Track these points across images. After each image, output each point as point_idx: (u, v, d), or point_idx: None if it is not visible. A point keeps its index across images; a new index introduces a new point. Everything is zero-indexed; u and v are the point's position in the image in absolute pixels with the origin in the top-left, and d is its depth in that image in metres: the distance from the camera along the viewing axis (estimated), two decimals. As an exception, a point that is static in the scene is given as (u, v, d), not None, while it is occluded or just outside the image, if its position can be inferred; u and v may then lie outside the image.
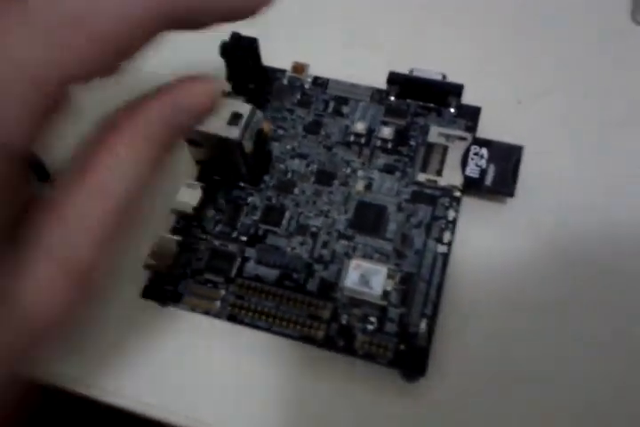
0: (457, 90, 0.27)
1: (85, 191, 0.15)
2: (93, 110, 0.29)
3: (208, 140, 0.24)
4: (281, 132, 0.28)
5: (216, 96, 0.18)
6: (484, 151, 0.26)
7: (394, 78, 0.28)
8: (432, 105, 0.28)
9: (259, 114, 0.24)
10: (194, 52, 0.31)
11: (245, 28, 0.27)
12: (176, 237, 0.24)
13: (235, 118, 0.24)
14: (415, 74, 0.28)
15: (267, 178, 0.26)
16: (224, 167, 0.26)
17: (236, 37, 0.27)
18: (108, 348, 0.24)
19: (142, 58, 0.15)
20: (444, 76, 0.27)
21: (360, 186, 0.26)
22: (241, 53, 0.27)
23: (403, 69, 0.28)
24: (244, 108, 0.24)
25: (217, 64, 0.27)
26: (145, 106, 0.16)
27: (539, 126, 0.28)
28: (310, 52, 0.30)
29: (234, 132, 0.23)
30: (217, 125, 0.24)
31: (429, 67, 0.28)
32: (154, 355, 0.24)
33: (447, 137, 0.27)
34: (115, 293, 0.25)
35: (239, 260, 0.24)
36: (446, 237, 0.24)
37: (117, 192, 0.15)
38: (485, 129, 0.27)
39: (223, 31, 0.27)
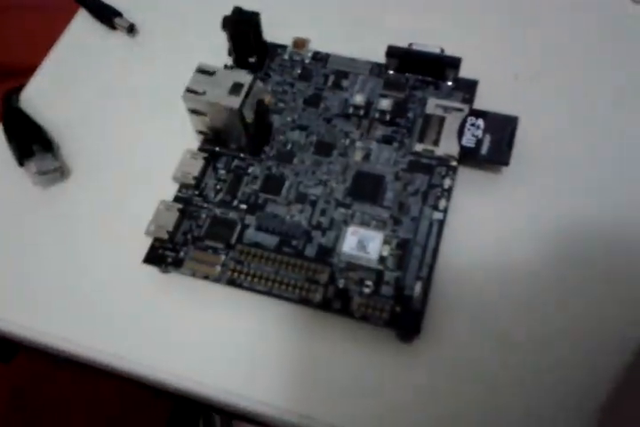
0: (455, 63, 0.27)
1: None
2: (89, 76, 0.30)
3: (210, 110, 0.25)
4: (281, 104, 0.28)
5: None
6: (480, 122, 0.26)
7: (393, 52, 0.28)
8: (430, 78, 0.28)
9: (259, 84, 0.25)
10: (197, 25, 0.32)
11: (248, 2, 0.28)
12: (177, 205, 0.25)
13: (236, 88, 0.24)
14: (414, 47, 0.28)
15: (267, 149, 0.27)
16: (225, 138, 0.26)
17: (237, 11, 0.27)
18: (112, 313, 0.25)
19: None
20: (442, 50, 0.28)
21: (358, 156, 0.27)
22: (242, 27, 0.27)
23: (402, 45, 0.28)
24: (245, 79, 0.25)
25: (219, 38, 0.28)
26: None
27: (534, 99, 0.28)
28: (311, 28, 0.30)
29: (235, 101, 0.24)
30: (219, 94, 0.24)
31: (428, 42, 0.28)
32: (156, 319, 0.24)
33: (444, 108, 0.27)
34: (117, 259, 0.26)
35: (239, 227, 0.25)
36: (442, 204, 0.25)
37: None
38: (482, 102, 0.28)
39: (226, 5, 0.28)
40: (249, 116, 0.25)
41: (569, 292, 0.24)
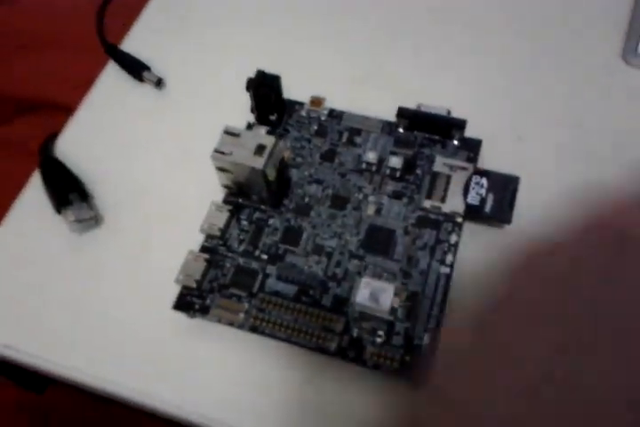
0: (461, 124, 0.30)
1: None
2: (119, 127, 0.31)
3: (236, 168, 0.27)
4: (299, 159, 0.31)
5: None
6: (484, 181, 0.29)
7: (403, 113, 0.30)
8: (437, 137, 0.31)
9: (281, 144, 0.27)
10: (221, 81, 0.34)
11: (267, 59, 0.30)
12: (204, 255, 0.27)
13: (260, 149, 0.27)
14: (422, 109, 0.30)
15: (286, 202, 0.29)
16: (248, 191, 0.29)
17: (261, 75, 0.30)
18: (143, 356, 0.26)
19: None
20: (449, 112, 0.30)
21: (371, 210, 0.29)
22: (265, 90, 0.30)
23: (410, 103, 0.31)
24: (269, 140, 0.27)
25: (242, 97, 0.30)
26: None
27: (535, 160, 0.31)
28: (327, 87, 0.33)
29: (259, 162, 0.26)
30: (244, 155, 0.26)
31: (435, 102, 0.30)
32: (182, 363, 0.26)
33: (451, 167, 0.29)
34: (146, 304, 0.28)
35: (261, 276, 0.27)
36: (449, 259, 0.27)
37: None
38: (486, 160, 0.30)
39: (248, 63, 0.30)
40: (271, 174, 0.27)
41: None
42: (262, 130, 0.31)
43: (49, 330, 0.28)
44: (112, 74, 0.36)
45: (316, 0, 0.37)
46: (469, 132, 0.30)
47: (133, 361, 0.26)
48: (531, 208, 0.28)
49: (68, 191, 0.30)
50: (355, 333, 0.25)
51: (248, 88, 0.30)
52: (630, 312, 0.26)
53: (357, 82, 0.34)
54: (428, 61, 0.35)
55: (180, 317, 0.27)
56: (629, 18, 0.35)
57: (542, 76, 0.33)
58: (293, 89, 0.32)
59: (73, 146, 0.33)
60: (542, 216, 0.28)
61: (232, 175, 0.28)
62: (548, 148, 0.31)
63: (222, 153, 0.27)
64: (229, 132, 0.27)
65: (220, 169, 0.27)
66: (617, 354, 0.25)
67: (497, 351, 0.25)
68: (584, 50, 0.34)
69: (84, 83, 0.36)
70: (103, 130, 0.34)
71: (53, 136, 0.33)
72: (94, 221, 0.29)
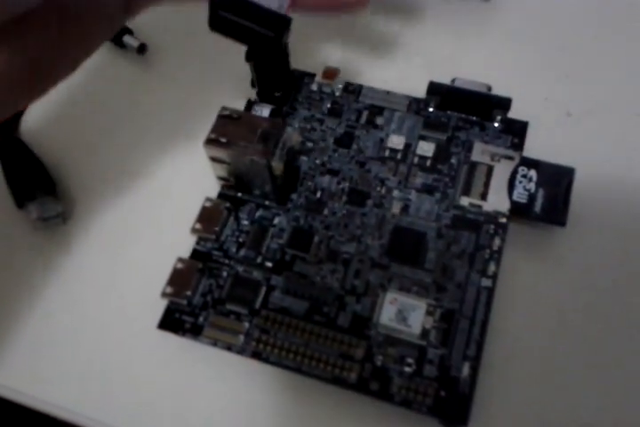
0: (505, 104, 0.24)
1: None
2: (95, 102, 0.27)
3: (234, 160, 0.22)
4: (310, 144, 0.26)
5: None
6: (533, 173, 0.24)
7: (435, 89, 0.25)
8: (475, 118, 0.26)
9: (289, 130, 0.22)
10: (216, 55, 0.29)
11: None
12: (197, 263, 0.23)
13: (264, 136, 0.22)
14: (458, 84, 0.25)
15: (294, 196, 0.24)
16: (249, 185, 0.24)
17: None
18: (122, 382, 0.22)
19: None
20: (490, 88, 0.25)
21: (396, 208, 0.24)
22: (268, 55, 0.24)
23: (442, 77, 0.25)
24: (274, 125, 0.22)
25: (242, 68, 0.25)
26: None
27: (590, 143, 0.26)
28: (342, 56, 0.27)
29: (263, 153, 0.21)
30: (245, 145, 0.21)
31: (469, 75, 0.25)
32: (169, 393, 0.22)
33: (492, 155, 0.24)
34: (127, 324, 0.23)
35: (264, 289, 0.22)
36: (491, 269, 0.22)
37: None
38: (531, 145, 0.25)
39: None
40: (278, 167, 0.22)
41: (637, 371, 0.21)
42: (266, 110, 0.25)
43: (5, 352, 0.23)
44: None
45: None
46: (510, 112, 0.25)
47: (114, 390, 0.22)
48: (588, 207, 0.24)
49: (32, 183, 0.25)
50: (378, 361, 0.21)
51: (248, 58, 0.25)
52: None
53: (378, 51, 0.29)
54: (460, 30, 0.29)
55: (169, 336, 0.22)
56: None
57: (593, 48, 0.28)
58: (302, 58, 0.27)
59: (39, 126, 0.28)
60: (602, 217, 0.24)
61: (229, 167, 0.23)
62: (606, 131, 0.26)
63: (217, 141, 0.22)
64: (226, 116, 0.22)
65: (215, 160, 0.22)
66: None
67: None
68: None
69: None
70: (76, 105, 0.28)
71: (17, 115, 0.28)
72: (62, 218, 0.25)
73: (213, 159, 0.22)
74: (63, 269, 0.24)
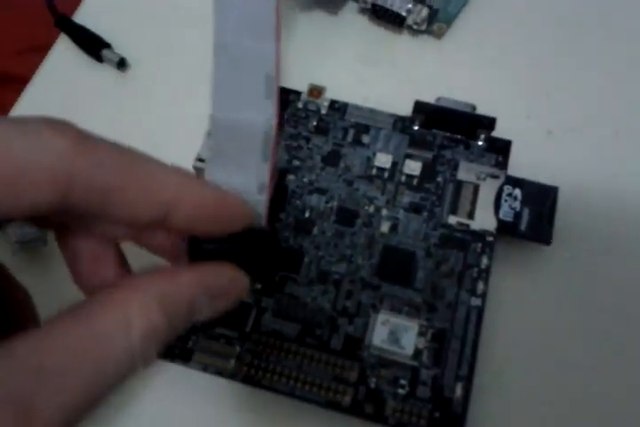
0: (490, 124, 0.25)
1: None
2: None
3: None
4: (297, 162, 0.25)
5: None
6: (518, 192, 0.24)
7: (421, 107, 0.25)
8: (459, 137, 0.26)
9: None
10: (200, 69, 0.28)
11: None
12: (185, 286, 0.22)
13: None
14: (442, 104, 0.25)
15: (282, 216, 0.24)
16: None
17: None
18: (108, 409, 0.22)
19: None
20: (474, 108, 0.25)
21: (385, 227, 0.24)
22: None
23: (425, 95, 0.26)
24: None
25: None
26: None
27: (572, 160, 0.26)
28: (327, 74, 0.27)
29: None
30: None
31: (452, 92, 0.26)
32: (158, 419, 0.21)
33: (478, 174, 0.25)
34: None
35: (255, 311, 0.22)
36: (480, 287, 0.23)
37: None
38: (515, 163, 0.25)
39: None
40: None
41: (626, 384, 0.22)
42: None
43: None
44: (64, 51, 0.30)
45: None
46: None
47: (95, 417, 0.22)
48: (573, 224, 0.24)
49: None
50: (372, 383, 0.21)
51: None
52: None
53: (365, 69, 0.29)
54: (444, 49, 0.29)
55: (157, 361, 0.22)
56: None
57: (572, 66, 0.29)
58: (288, 76, 0.26)
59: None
60: (587, 234, 0.24)
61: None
62: (587, 148, 0.27)
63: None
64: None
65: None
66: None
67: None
68: (626, 39, 0.29)
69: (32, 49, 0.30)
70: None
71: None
72: (42, 240, 0.24)
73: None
74: (45, 292, 0.24)
